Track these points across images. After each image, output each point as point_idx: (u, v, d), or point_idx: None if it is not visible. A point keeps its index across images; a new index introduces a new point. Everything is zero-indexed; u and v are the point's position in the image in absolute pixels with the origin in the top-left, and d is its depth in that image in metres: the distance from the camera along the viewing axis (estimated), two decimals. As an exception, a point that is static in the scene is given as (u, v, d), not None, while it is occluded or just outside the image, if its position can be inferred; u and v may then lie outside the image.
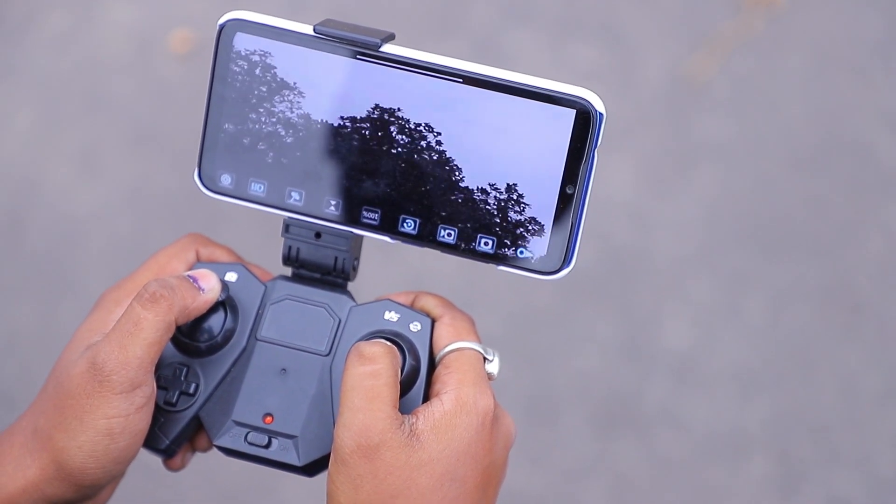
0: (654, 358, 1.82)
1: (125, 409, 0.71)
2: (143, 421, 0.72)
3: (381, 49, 0.74)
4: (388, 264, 1.84)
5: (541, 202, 0.74)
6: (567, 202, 0.74)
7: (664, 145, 1.91)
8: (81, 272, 1.88)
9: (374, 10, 1.98)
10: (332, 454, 0.70)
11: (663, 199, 1.89)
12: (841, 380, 1.81)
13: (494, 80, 0.74)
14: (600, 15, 1.96)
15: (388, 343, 0.73)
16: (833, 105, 1.93)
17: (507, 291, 1.83)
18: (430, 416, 0.71)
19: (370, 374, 0.70)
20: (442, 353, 0.75)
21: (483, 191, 0.75)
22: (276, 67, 0.76)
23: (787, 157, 1.90)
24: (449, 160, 0.75)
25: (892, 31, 1.95)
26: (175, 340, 0.76)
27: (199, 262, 0.79)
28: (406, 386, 0.75)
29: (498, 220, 0.75)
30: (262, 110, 0.76)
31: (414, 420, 0.71)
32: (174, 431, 0.76)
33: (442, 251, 0.76)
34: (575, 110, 0.73)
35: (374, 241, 0.79)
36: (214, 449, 0.78)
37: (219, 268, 0.78)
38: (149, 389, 0.72)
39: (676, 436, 1.79)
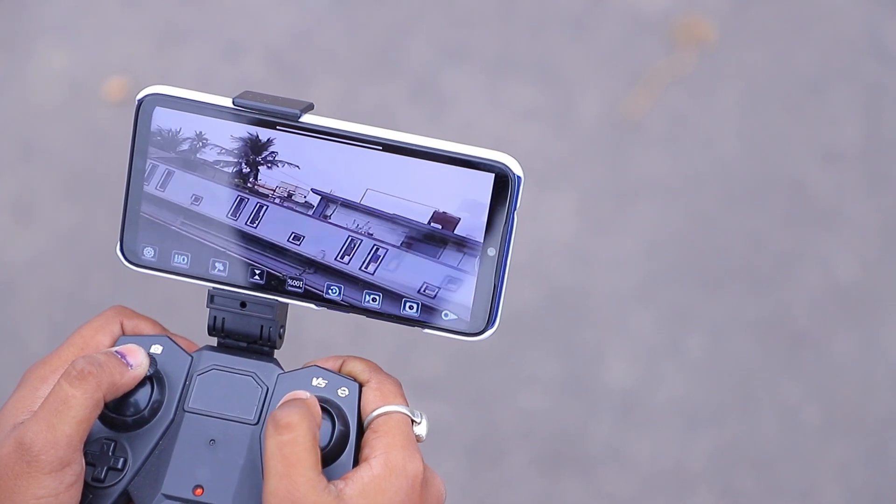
0: (597, 396, 1.83)
1: (55, 488, 0.70)
2: (72, 499, 0.71)
3: (301, 119, 0.75)
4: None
5: (463, 265, 0.75)
6: (489, 264, 0.75)
7: (602, 183, 1.92)
8: (19, 322, 1.87)
9: (311, 54, 1.98)
10: None
11: (602, 237, 1.90)
12: (782, 413, 1.82)
13: (413, 147, 0.74)
14: (536, 54, 1.97)
15: (303, 408, 0.72)
16: (767, 140, 1.95)
17: (449, 333, 1.83)
18: (358, 480, 0.71)
19: (288, 442, 0.70)
20: (370, 418, 0.75)
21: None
22: (196, 140, 0.76)
23: (723, 192, 1.92)
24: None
25: (823, 66, 1.98)
26: (102, 415, 0.76)
27: (123, 336, 0.78)
28: (336, 451, 0.74)
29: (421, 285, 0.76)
30: (182, 183, 0.76)
31: (342, 486, 0.70)
32: None
33: (367, 317, 0.77)
34: (493, 174, 0.74)
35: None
36: (145, 522, 0.77)
37: (144, 340, 0.77)
38: (78, 467, 0.71)
39: (621, 473, 1.80)
